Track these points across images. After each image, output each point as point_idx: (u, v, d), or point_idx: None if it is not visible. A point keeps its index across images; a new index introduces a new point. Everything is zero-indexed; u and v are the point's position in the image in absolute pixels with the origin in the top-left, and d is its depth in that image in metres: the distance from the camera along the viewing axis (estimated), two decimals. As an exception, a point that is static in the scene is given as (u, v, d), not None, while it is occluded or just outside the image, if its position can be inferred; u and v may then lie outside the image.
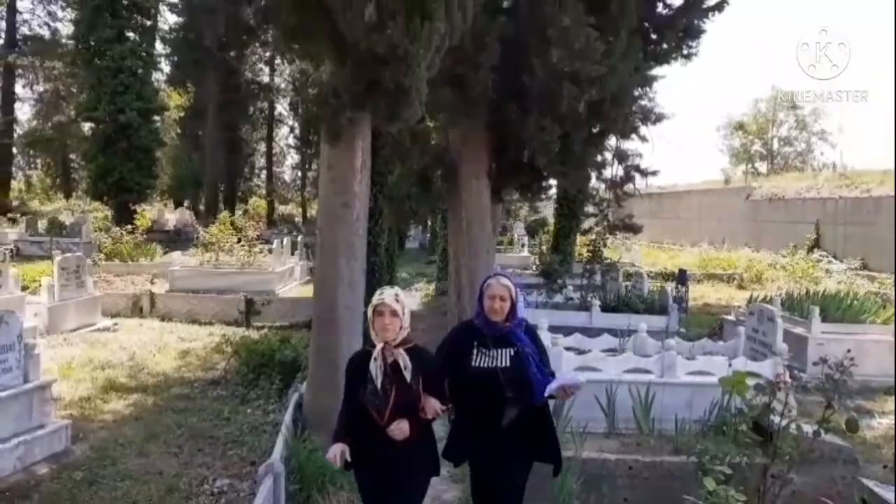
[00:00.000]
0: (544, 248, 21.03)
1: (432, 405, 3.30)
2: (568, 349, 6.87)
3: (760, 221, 26.40)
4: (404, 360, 3.28)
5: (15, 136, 39.16)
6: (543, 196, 10.26)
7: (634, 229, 16.18)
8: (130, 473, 5.41)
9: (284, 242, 16.07)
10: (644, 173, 15.56)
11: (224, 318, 11.62)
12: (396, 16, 4.53)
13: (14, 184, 42.68)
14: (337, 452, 3.31)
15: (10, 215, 26.91)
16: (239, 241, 15.67)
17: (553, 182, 11.22)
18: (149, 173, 26.96)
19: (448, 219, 9.16)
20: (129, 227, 17.96)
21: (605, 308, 9.64)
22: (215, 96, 32.78)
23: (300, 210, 40.67)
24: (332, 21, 4.68)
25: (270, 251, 15.45)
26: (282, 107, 40.41)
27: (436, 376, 3.41)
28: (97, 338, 10.03)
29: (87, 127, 28.32)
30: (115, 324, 10.97)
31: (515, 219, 29.58)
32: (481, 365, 3.45)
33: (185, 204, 37.66)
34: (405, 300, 3.38)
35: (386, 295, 3.33)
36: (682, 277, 14.17)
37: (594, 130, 7.79)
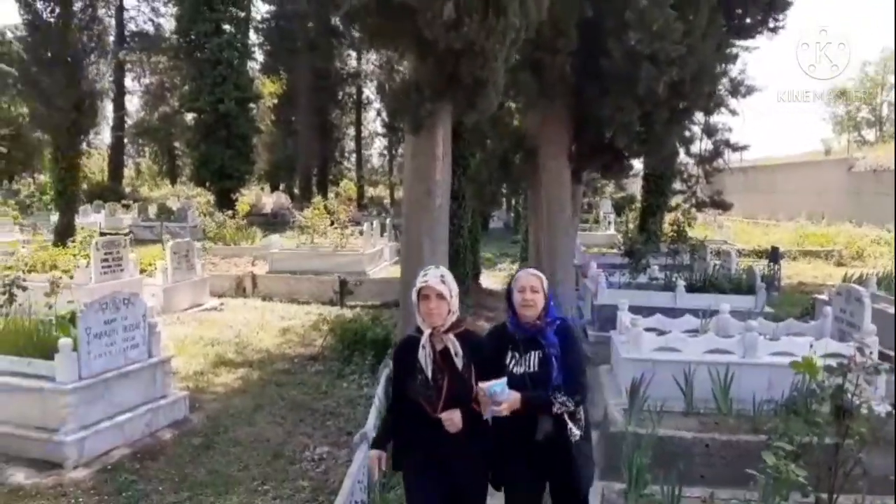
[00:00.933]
0: (631, 226, 20.81)
1: (481, 401, 3.03)
2: (648, 330, 6.99)
3: (863, 194, 24.98)
4: (455, 346, 3.05)
5: (125, 126, 41.97)
6: (628, 174, 10.24)
7: (724, 206, 15.82)
8: (241, 440, 6.00)
9: (374, 225, 16.67)
10: (734, 148, 15.17)
11: (320, 297, 12.30)
12: (473, 13, 4.77)
13: (125, 171, 45.84)
14: (373, 461, 3.16)
15: (123, 202, 28.96)
16: (332, 223, 16.43)
17: (635, 161, 11.20)
18: (246, 160, 28.41)
19: (528, 200, 9.34)
20: (231, 211, 19.05)
21: (691, 288, 9.56)
22: (306, 83, 33.95)
23: (388, 192, 41.63)
24: (413, 20, 4.98)
25: (361, 233, 16.09)
26: (369, 91, 41.32)
27: (490, 362, 3.15)
28: (206, 317, 10.89)
29: (189, 117, 29.99)
30: (222, 303, 11.84)
31: (601, 196, 29.25)
32: (515, 371, 3.18)
33: (281, 188, 39.37)
34: (452, 282, 3.11)
35: (430, 276, 3.05)
36: (774, 255, 13.80)
37: (676, 110, 7.75)
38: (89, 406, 5.65)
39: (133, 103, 46.03)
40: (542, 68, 7.02)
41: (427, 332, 3.05)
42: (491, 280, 16.12)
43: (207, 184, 28.29)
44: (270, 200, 33.18)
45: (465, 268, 12.13)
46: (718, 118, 14.69)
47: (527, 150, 8.09)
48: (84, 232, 14.75)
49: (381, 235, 17.40)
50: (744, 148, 15.26)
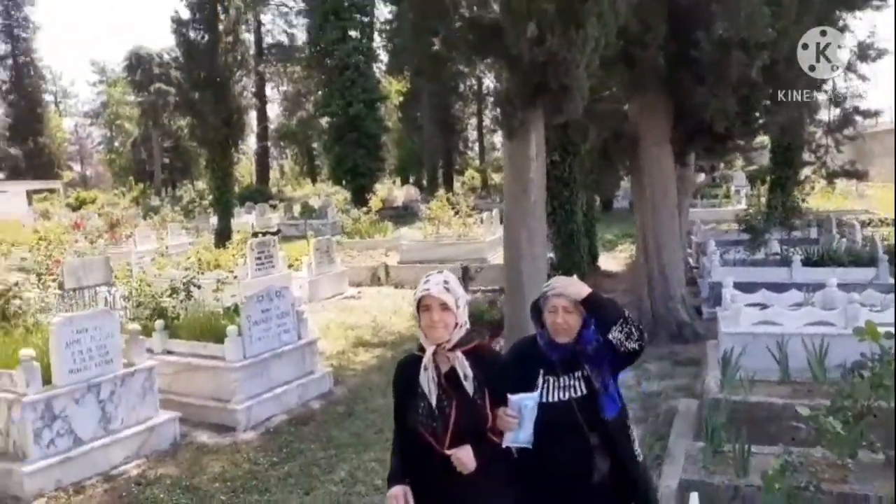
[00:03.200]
0: (762, 199, 20.14)
1: (505, 420, 2.54)
2: (752, 305, 7.24)
3: None
4: (463, 366, 2.54)
5: (268, 132, 45.53)
6: (732, 155, 10.26)
7: (858, 175, 15.11)
8: (377, 409, 6.98)
9: (493, 213, 17.43)
10: (866, 114, 14.44)
11: (445, 284, 13.25)
12: (554, 28, 5.36)
13: (271, 173, 49.74)
14: (395, 501, 2.60)
15: (271, 202, 31.69)
16: (456, 213, 17.38)
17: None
18: (377, 157, 30.15)
19: (632, 187, 9.70)
20: (365, 208, 20.55)
21: (807, 262, 9.51)
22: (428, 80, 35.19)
23: (513, 177, 42.15)
24: (502, 39, 5.65)
25: (482, 221, 16.89)
26: (489, 80, 42.00)
27: (513, 385, 2.61)
28: (346, 304, 12.18)
29: (324, 120, 32.17)
30: (359, 292, 13.12)
31: (733, 169, 28.21)
32: (553, 399, 2.68)
33: (411, 180, 41.14)
34: (458, 288, 2.61)
35: (432, 284, 2.55)
36: (910, 224, 13.08)
37: (776, 91, 7.84)
38: (253, 381, 6.86)
39: (273, 110, 49.88)
40: (634, 61, 7.41)
41: (430, 349, 2.56)
42: (611, 262, 16.39)
43: (343, 182, 30.29)
44: (401, 194, 34.82)
45: (579, 252, 12.59)
46: (847, 84, 14.08)
47: (627, 137, 8.49)
48: (239, 234, 16.69)
49: (501, 223, 18.08)
50: (876, 114, 14.48)
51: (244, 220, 26.36)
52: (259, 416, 6.73)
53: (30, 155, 50.30)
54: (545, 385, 2.71)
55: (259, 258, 11.60)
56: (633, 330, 2.64)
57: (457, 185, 35.55)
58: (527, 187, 6.29)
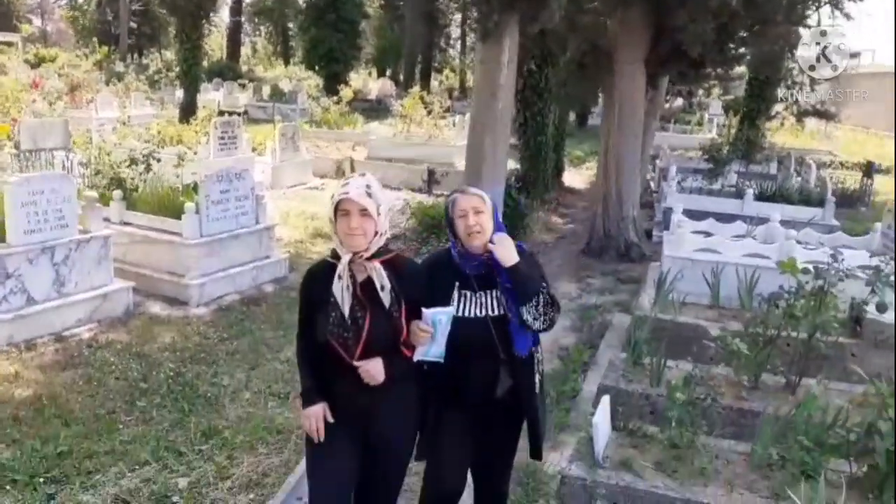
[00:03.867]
0: (732, 130, 20.32)
1: (418, 335, 2.47)
2: (698, 233, 7.55)
3: None
4: (381, 276, 2.43)
5: (243, 6, 43.43)
6: (706, 82, 10.31)
7: (827, 115, 15.34)
8: (327, 297, 7.21)
9: (466, 118, 17.27)
10: (845, 54, 14.44)
11: (410, 184, 13.31)
12: (538, -67, 5.24)
13: (243, 50, 47.85)
14: (315, 420, 2.53)
15: (240, 81, 30.71)
16: (429, 113, 17.16)
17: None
18: (353, 44, 29.22)
19: (603, 103, 9.73)
20: (336, 97, 20.12)
21: (760, 196, 9.84)
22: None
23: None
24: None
25: (454, 125, 16.77)
26: (479, -25, 40.42)
27: (430, 298, 2.54)
28: (308, 194, 12.20)
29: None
30: (323, 184, 13.11)
31: (709, 96, 28.17)
32: (468, 314, 2.63)
33: (387, 73, 40.09)
34: (381, 192, 2.47)
35: (352, 187, 2.40)
36: (868, 169, 13.48)
37: (754, 22, 7.84)
38: (208, 259, 6.98)
39: (250, -17, 47.25)
40: (619, -25, 7.30)
41: (345, 257, 2.42)
42: (577, 178, 16.58)
43: (316, 67, 29.43)
44: (376, 86, 34.04)
45: (545, 165, 12.71)
46: (833, 21, 14.00)
47: (604, 52, 8.45)
48: (205, 110, 16.30)
49: (474, 127, 17.96)
50: (857, 55, 14.48)
51: (211, 96, 25.63)
52: (212, 293, 6.90)
53: (-14, 3, 47.26)
54: (461, 300, 2.65)
55: (223, 138, 11.45)
56: (544, 312, 2.62)
57: (434, 83, 34.84)
58: (496, 92, 6.31)
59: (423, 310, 2.47)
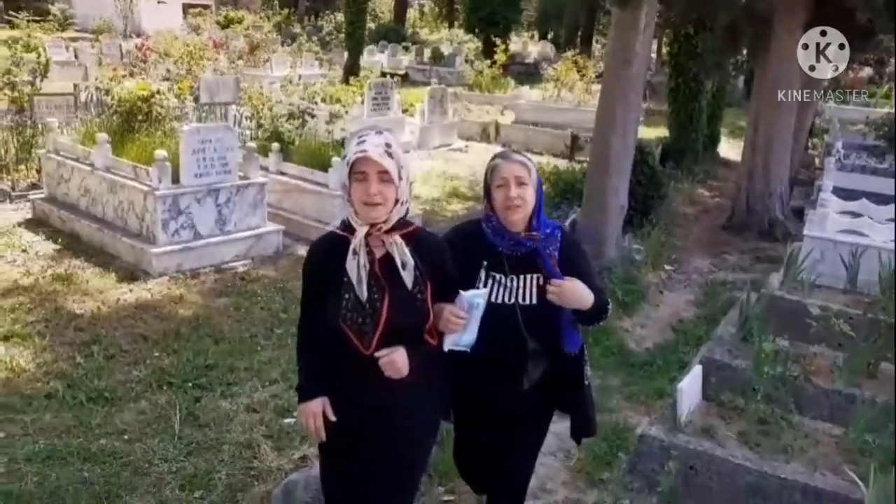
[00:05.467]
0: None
1: (451, 321, 2.16)
2: (845, 213, 7.06)
3: None
4: (402, 252, 2.11)
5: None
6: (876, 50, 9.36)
7: None
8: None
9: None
10: None
11: (553, 150, 13.34)
12: None
13: (410, 12, 49.08)
14: (313, 418, 2.23)
15: (404, 44, 31.69)
16: (582, 78, 16.91)
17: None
18: (515, 8, 29.09)
19: (755, 74, 9.17)
20: (489, 61, 20.32)
21: (934, 179, 8.86)
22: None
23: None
24: None
25: (606, 91, 16.38)
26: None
27: (452, 278, 2.24)
28: (451, 156, 12.63)
29: (465, -38, 31.06)
30: (467, 146, 13.48)
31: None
32: (496, 300, 2.34)
33: (549, 37, 39.50)
34: (401, 154, 2.10)
35: (370, 144, 2.03)
36: None
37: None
38: (349, 209, 7.58)
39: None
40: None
41: (361, 230, 2.07)
42: (735, 151, 15.68)
43: (476, 30, 29.68)
44: (536, 49, 33.72)
45: (696, 134, 12.21)
46: None
47: (759, 18, 7.97)
48: (366, 71, 17.17)
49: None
50: None
51: (376, 58, 26.69)
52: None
53: (187, -31, 51.97)
54: (487, 282, 2.35)
55: (376, 98, 12.11)
56: (600, 317, 2.44)
57: (597, 47, 33.90)
58: (629, 59, 6.24)
59: (461, 292, 2.18)
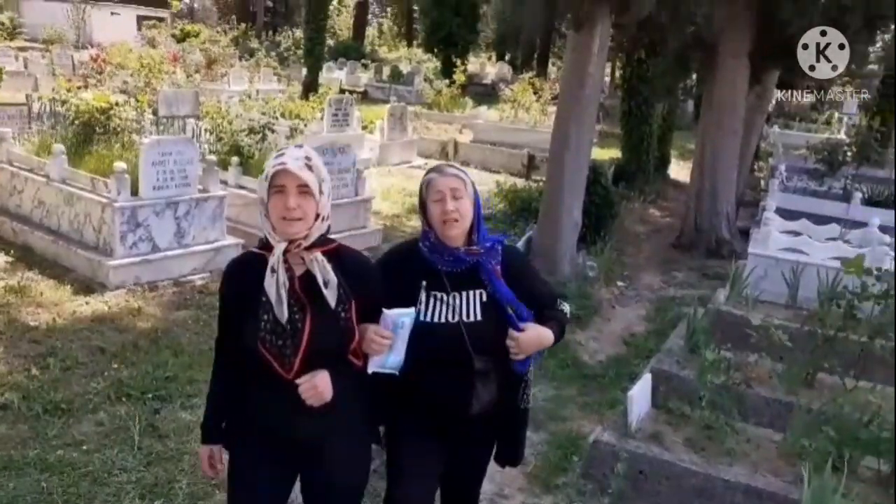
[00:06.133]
0: (861, 131, 19.05)
1: (376, 342, 2.04)
2: (787, 232, 7.42)
3: None
4: (323, 270, 1.99)
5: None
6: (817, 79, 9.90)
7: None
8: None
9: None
10: None
11: (510, 168, 13.60)
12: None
13: (369, 30, 49.41)
14: (209, 463, 2.21)
15: (363, 61, 31.87)
16: (538, 99, 17.30)
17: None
18: (473, 28, 29.59)
19: (702, 98, 9.60)
20: (447, 81, 20.63)
21: (870, 202, 9.39)
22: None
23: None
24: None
25: (561, 112, 16.79)
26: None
27: (378, 297, 2.10)
28: (411, 172, 12.76)
29: (423, -18, 31.53)
30: (426, 163, 13.61)
31: (845, 95, 26.29)
32: (436, 319, 2.24)
33: (507, 58, 40.20)
34: (322, 168, 2.02)
35: (289, 157, 1.96)
36: None
37: (872, 16, 7.52)
38: (309, 224, 7.64)
39: (380, -36, 48.55)
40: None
41: (280, 247, 1.97)
42: (685, 172, 16.22)
43: (435, 50, 30.06)
44: (493, 70, 34.27)
45: (647, 156, 12.63)
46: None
47: (706, 44, 8.36)
48: (325, 88, 17.24)
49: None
50: None
51: (335, 75, 26.82)
52: (310, 255, 7.55)
53: (143, -20, 51.35)
54: (429, 302, 2.24)
55: (336, 115, 12.20)
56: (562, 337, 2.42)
57: (553, 69, 34.61)
58: (584, 81, 6.50)
59: (384, 311, 2.06)
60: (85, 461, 3.74)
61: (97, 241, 6.48)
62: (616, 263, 8.37)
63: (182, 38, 33.87)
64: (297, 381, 1.97)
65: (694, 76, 11.38)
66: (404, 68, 29.65)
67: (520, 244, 7.35)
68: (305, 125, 10.88)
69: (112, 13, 39.72)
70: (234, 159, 8.08)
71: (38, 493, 3.42)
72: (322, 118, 12.27)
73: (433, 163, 13.74)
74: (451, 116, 18.51)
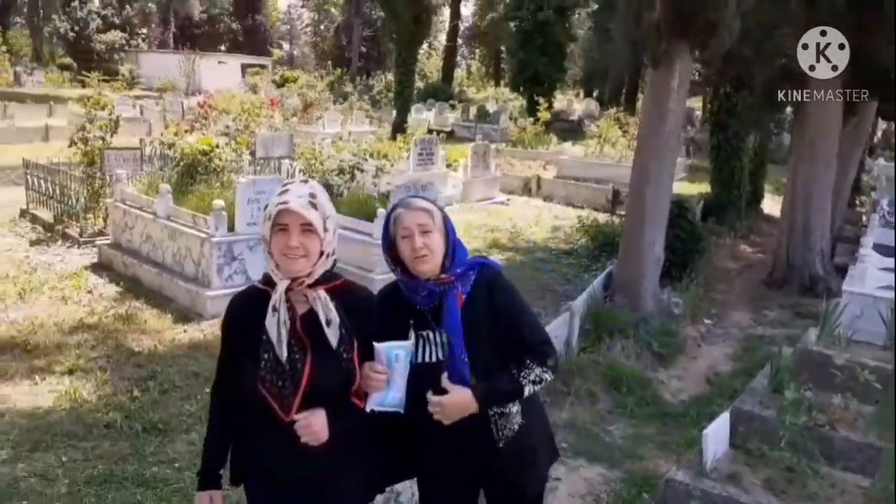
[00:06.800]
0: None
1: (371, 377, 2.00)
2: (885, 269, 7.03)
3: None
4: (326, 309, 1.97)
5: (459, 31, 46.02)
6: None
7: None
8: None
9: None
10: None
11: (594, 204, 13.54)
12: (708, -37, 5.41)
13: (458, 72, 50.63)
14: None
15: (451, 101, 32.65)
16: (624, 133, 17.21)
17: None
18: (559, 67, 29.79)
19: (793, 131, 9.29)
20: (532, 118, 20.84)
21: (984, 237, 8.74)
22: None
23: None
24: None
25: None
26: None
27: (372, 332, 2.05)
28: (493, 209, 12.95)
29: (512, 24, 32.10)
30: (508, 199, 13.81)
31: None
32: (428, 359, 2.16)
33: (594, 94, 40.16)
34: (328, 205, 2.00)
35: (292, 195, 1.93)
36: None
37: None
38: (392, 259, 7.90)
39: (468, 9, 49.98)
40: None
41: (282, 284, 1.95)
42: (778, 206, 15.60)
43: (521, 89, 30.43)
44: (581, 107, 34.30)
45: (738, 190, 12.28)
46: None
47: (795, 77, 8.13)
48: (413, 128, 17.80)
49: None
50: None
51: (423, 116, 27.56)
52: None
53: (247, 31, 54.96)
54: (418, 342, 2.15)
55: (421, 154, 12.58)
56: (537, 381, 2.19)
57: (640, 105, 34.27)
58: (664, 116, 6.48)
59: (375, 344, 2.00)
60: (177, 478, 4.01)
61: (196, 274, 6.96)
62: (703, 300, 8.16)
63: (281, 83, 35.88)
64: (294, 417, 1.95)
65: (788, 109, 11.03)
66: (491, 107, 30.13)
67: (599, 279, 7.32)
68: (392, 165, 11.27)
69: (219, 62, 42.65)
70: (324, 197, 8.48)
71: (134, 505, 3.70)
72: (408, 157, 12.67)
73: (515, 199, 14.05)
74: (535, 153, 18.65)
